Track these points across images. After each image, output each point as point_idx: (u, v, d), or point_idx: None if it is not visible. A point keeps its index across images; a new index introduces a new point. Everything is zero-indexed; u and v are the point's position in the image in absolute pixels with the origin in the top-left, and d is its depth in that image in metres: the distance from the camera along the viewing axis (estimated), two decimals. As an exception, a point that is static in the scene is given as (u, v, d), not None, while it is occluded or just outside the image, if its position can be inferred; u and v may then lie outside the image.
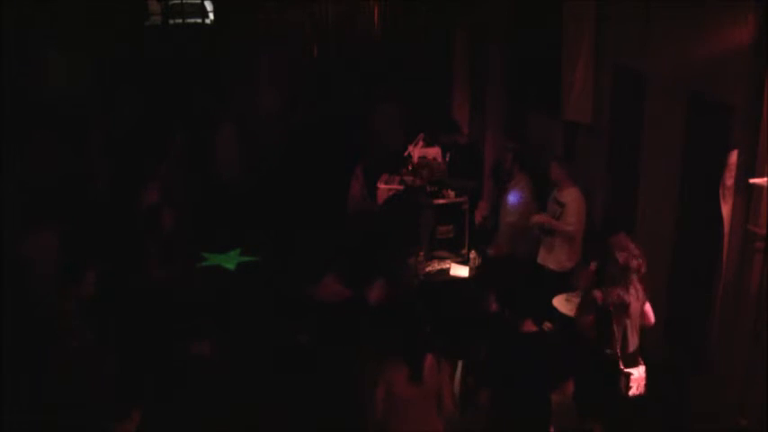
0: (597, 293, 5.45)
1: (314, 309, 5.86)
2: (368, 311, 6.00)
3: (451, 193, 8.09)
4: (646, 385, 5.49)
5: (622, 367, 5.42)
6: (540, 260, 7.44)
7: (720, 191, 5.32)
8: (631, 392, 5.43)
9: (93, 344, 5.24)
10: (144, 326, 5.65)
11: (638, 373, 5.47)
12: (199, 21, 14.34)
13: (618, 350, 5.44)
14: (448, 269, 7.68)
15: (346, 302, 5.95)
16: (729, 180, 5.27)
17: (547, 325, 7.21)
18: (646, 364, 5.55)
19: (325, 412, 5.42)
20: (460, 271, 7.64)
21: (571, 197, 7.13)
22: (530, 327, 5.24)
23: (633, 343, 5.54)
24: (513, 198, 7.85)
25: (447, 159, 8.85)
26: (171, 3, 14.15)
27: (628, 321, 5.49)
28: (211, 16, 14.68)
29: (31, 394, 4.98)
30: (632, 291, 5.46)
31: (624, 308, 5.44)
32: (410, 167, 8.69)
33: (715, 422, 5.47)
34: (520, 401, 5.04)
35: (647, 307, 5.60)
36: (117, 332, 5.51)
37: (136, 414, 4.24)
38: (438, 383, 4.89)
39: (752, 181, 5.06)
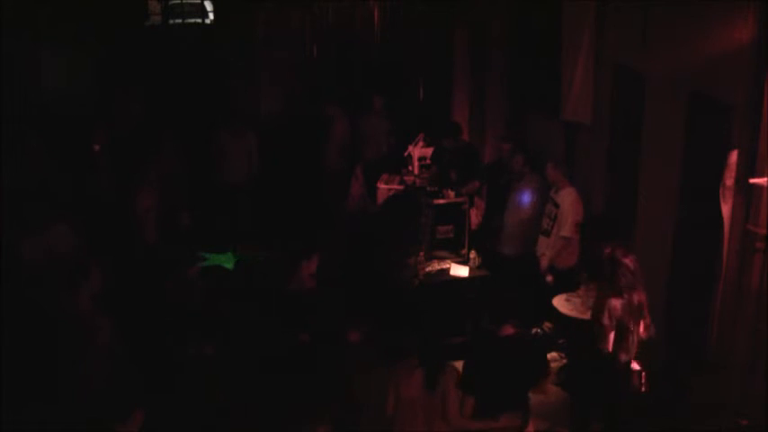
0: (613, 302, 5.46)
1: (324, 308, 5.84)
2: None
3: (451, 193, 8.09)
4: (648, 388, 5.50)
5: (638, 366, 5.43)
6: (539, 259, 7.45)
7: (720, 191, 5.32)
8: (644, 389, 5.45)
9: (105, 341, 5.25)
10: (145, 325, 5.65)
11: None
12: (199, 21, 14.34)
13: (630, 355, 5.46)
14: (448, 269, 7.68)
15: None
16: (729, 180, 5.27)
17: (547, 325, 7.24)
18: (643, 367, 5.56)
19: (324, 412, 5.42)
20: (460, 271, 7.63)
21: (567, 199, 7.16)
22: (508, 330, 5.26)
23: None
24: (523, 197, 7.85)
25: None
26: (171, 3, 14.14)
27: (639, 323, 5.51)
28: (211, 16, 14.67)
29: (35, 394, 4.99)
30: (641, 290, 5.48)
31: (637, 311, 5.45)
32: (410, 167, 8.69)
33: (715, 422, 5.47)
34: (498, 402, 5.06)
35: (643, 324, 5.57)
36: (120, 331, 5.51)
37: (138, 414, 4.23)
38: (444, 390, 4.90)
39: (752, 181, 5.05)
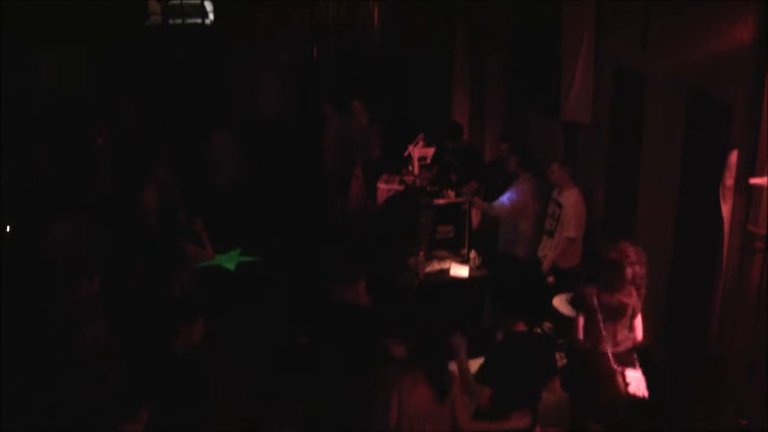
0: (587, 291, 5.49)
1: (333, 310, 5.82)
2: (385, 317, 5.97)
3: (451, 193, 8.09)
4: (648, 388, 5.46)
5: (615, 366, 5.41)
6: (541, 259, 7.45)
7: (720, 191, 5.32)
8: (631, 390, 5.41)
9: (105, 341, 5.26)
10: (147, 325, 5.65)
11: (633, 374, 5.45)
12: (199, 21, 14.33)
13: (608, 350, 5.44)
14: (448, 269, 7.68)
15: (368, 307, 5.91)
16: (729, 180, 5.27)
17: (547, 325, 7.23)
18: (643, 368, 5.55)
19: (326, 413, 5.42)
20: (460, 271, 7.64)
21: (570, 199, 7.13)
22: (521, 327, 5.26)
23: (625, 344, 5.54)
24: (513, 198, 7.84)
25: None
26: (171, 3, 14.14)
27: (620, 322, 5.50)
28: (211, 16, 14.67)
29: (38, 394, 4.99)
30: (628, 293, 5.47)
31: (617, 310, 5.45)
32: (410, 167, 8.69)
33: (715, 422, 5.47)
34: (509, 399, 5.05)
35: (638, 321, 5.58)
36: (123, 330, 5.52)
37: (143, 414, 4.22)
38: (452, 398, 4.85)
39: (752, 181, 5.05)
